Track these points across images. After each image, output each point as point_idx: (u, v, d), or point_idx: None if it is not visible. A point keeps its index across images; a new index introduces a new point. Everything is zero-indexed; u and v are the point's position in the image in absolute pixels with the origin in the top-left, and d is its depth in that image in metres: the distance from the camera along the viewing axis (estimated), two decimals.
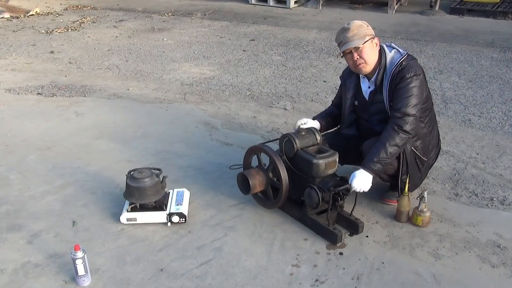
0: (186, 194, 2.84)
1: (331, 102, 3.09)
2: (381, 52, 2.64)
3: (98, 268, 2.36)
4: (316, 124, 2.84)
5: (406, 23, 7.46)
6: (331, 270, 2.34)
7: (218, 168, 3.29)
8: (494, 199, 2.92)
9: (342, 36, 2.57)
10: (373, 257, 2.42)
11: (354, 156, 2.75)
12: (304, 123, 2.78)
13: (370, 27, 2.61)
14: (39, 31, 7.28)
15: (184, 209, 2.69)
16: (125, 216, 2.67)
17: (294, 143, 2.57)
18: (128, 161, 3.39)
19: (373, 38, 2.59)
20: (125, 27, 7.50)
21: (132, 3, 9.27)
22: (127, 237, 2.59)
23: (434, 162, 2.94)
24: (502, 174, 3.20)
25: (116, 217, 2.72)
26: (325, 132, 2.97)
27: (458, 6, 8.01)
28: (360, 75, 2.76)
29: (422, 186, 2.98)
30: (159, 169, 2.78)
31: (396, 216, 2.70)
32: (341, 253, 2.45)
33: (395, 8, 8.18)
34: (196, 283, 2.26)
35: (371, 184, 2.52)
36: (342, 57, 2.65)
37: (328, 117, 2.96)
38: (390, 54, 2.62)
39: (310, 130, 2.69)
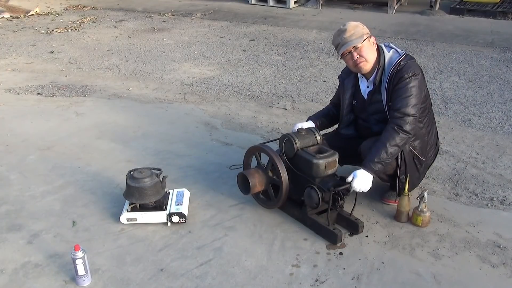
0: (186, 194, 2.84)
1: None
2: (379, 52, 2.65)
3: (98, 268, 2.36)
4: (310, 125, 2.84)
5: (406, 23, 7.46)
6: (331, 270, 2.34)
7: (218, 168, 3.29)
8: (494, 199, 2.92)
9: (339, 38, 2.58)
10: (373, 257, 2.42)
11: (353, 156, 2.75)
12: (300, 127, 2.79)
13: (366, 27, 2.62)
14: (39, 31, 7.28)
15: (184, 209, 2.69)
16: (125, 216, 2.67)
17: (294, 143, 2.57)
18: (128, 161, 3.39)
19: (370, 37, 2.60)
20: (125, 27, 7.50)
21: (132, 3, 9.27)
22: (127, 237, 2.59)
23: (433, 162, 2.94)
24: (502, 174, 3.20)
25: (116, 217, 2.72)
26: (324, 132, 2.98)
27: (458, 6, 8.02)
28: (359, 75, 2.76)
29: (422, 186, 2.98)
30: (159, 169, 2.78)
31: (396, 216, 2.70)
32: (341, 253, 2.45)
33: (395, 8, 8.19)
34: (196, 283, 2.26)
35: (371, 185, 2.52)
36: (341, 58, 2.66)
37: (323, 118, 2.97)
38: (388, 54, 2.63)
39: (310, 130, 2.69)
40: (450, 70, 5.28)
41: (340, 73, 2.94)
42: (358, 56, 2.57)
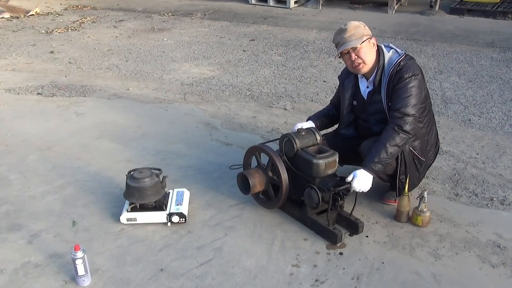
0: (186, 194, 2.84)
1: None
2: (379, 52, 2.65)
3: (98, 268, 2.36)
4: (310, 125, 2.84)
5: (406, 23, 7.46)
6: (331, 270, 2.34)
7: (218, 168, 3.29)
8: (494, 199, 2.92)
9: (339, 37, 2.58)
10: (373, 257, 2.42)
11: (353, 157, 2.75)
12: (300, 127, 2.78)
13: (367, 28, 2.61)
14: (39, 31, 7.28)
15: (184, 209, 2.69)
16: (125, 216, 2.67)
17: (294, 143, 2.57)
18: (128, 161, 3.39)
19: (370, 38, 2.59)
20: (125, 27, 7.50)
21: (132, 3, 9.27)
22: (127, 237, 2.59)
23: (433, 162, 2.94)
24: (502, 174, 3.20)
25: (116, 217, 2.72)
26: (324, 132, 2.98)
27: (458, 6, 8.01)
28: (359, 75, 2.76)
29: (422, 186, 2.98)
30: (159, 169, 2.78)
31: (396, 216, 2.70)
32: (341, 253, 2.45)
33: (395, 8, 8.18)
34: (196, 283, 2.26)
35: (371, 185, 2.52)
36: (340, 57, 2.66)
37: (323, 118, 2.97)
38: (388, 54, 2.63)
39: (310, 130, 2.69)
40: (450, 70, 5.28)
41: (340, 73, 2.94)
42: (356, 57, 2.57)
